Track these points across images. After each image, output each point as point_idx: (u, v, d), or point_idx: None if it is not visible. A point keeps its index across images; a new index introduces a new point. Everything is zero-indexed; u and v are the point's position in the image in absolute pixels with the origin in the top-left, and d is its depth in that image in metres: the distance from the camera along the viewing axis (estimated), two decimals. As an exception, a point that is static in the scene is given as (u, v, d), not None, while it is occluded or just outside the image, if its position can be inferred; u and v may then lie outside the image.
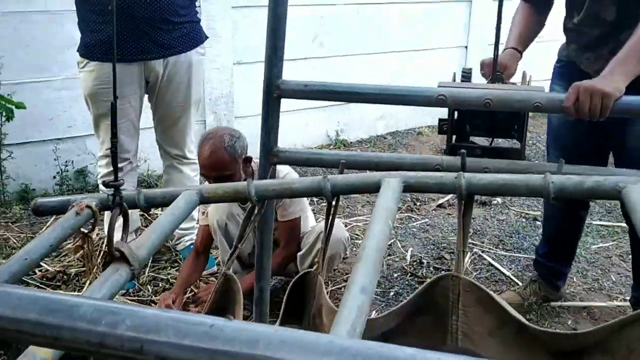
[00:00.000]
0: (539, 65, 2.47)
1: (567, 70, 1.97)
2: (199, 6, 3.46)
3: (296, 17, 3.93)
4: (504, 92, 1.39)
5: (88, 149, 3.32)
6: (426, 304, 1.38)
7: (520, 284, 2.47)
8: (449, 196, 3.35)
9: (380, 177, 1.21)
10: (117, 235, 0.91)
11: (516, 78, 1.78)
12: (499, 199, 3.36)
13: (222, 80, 3.71)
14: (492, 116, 1.56)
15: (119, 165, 2.45)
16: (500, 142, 2.95)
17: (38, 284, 2.42)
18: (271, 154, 1.59)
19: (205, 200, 1.30)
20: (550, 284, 2.33)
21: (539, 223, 3.08)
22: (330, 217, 1.31)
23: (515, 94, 1.38)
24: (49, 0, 2.88)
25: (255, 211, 1.32)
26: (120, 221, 1.01)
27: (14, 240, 2.74)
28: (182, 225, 2.66)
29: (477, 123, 1.60)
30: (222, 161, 2.09)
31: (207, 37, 2.59)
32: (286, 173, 2.25)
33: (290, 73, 4.22)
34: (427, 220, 3.11)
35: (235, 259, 2.38)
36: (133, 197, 1.29)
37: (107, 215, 2.53)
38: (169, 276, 2.51)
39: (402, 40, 4.36)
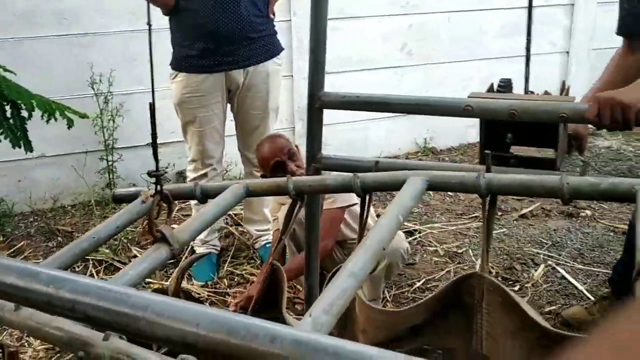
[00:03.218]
0: None
1: None
2: (289, 20, 3.69)
3: (385, 27, 4.04)
4: (530, 102, 1.41)
5: (187, 153, 3.64)
6: (454, 301, 1.43)
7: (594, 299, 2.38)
8: (533, 206, 3.27)
9: (407, 175, 1.29)
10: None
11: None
12: (587, 211, 3.21)
13: (311, 89, 3.88)
14: (530, 126, 1.56)
15: (204, 171, 2.67)
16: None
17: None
18: (315, 160, 1.71)
19: (250, 193, 1.45)
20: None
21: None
22: (365, 214, 1.41)
23: (540, 104, 1.40)
24: (152, 20, 3.20)
25: (297, 206, 1.46)
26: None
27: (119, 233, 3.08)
28: (260, 227, 2.86)
29: (517, 133, 1.61)
30: (282, 143, 2.33)
31: (283, 49, 2.76)
32: None
33: (378, 82, 4.32)
34: (505, 230, 3.06)
35: (293, 247, 2.50)
36: (191, 189, 1.49)
37: (194, 207, 2.79)
38: (244, 272, 2.71)
39: (497, 48, 4.29)
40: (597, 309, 2.25)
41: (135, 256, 2.84)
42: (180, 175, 3.66)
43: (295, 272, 2.20)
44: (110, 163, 3.43)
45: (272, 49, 2.64)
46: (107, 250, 2.82)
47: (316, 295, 1.90)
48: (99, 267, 2.73)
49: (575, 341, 1.28)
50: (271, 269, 1.56)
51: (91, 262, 2.74)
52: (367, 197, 1.38)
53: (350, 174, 1.36)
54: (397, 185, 1.29)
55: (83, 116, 1.88)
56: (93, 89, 3.26)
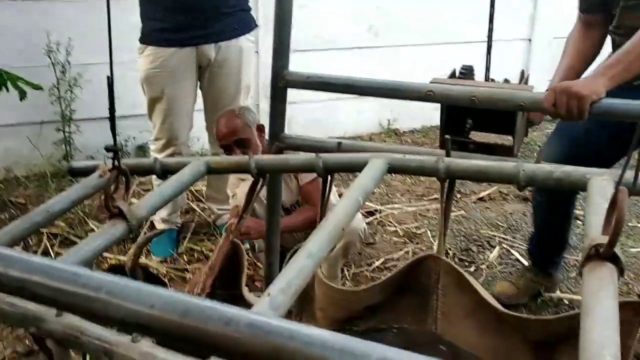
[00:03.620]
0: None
1: None
2: (256, -5, 3.63)
3: (352, 7, 4.02)
4: (490, 90, 1.43)
5: (149, 127, 3.57)
6: (411, 282, 1.46)
7: (545, 280, 2.47)
8: (491, 190, 3.34)
9: (368, 157, 1.30)
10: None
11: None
12: (542, 196, 3.30)
13: (277, 66, 3.85)
14: (490, 113, 1.59)
15: (169, 152, 2.60)
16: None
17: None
18: (278, 139, 1.71)
19: (211, 170, 1.43)
20: (543, 271, 2.33)
21: (579, 222, 3.02)
22: (326, 194, 1.42)
23: (500, 92, 1.42)
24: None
25: (259, 184, 1.45)
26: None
27: (75, 207, 3.02)
28: (222, 206, 2.82)
29: (477, 119, 1.63)
30: (237, 125, 2.29)
31: (256, 26, 2.70)
32: None
33: (344, 62, 4.26)
34: (463, 212, 3.12)
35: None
36: (151, 164, 1.46)
37: (154, 181, 2.74)
38: (204, 248, 2.70)
39: (462, 32, 4.32)
40: (522, 282, 2.34)
41: (92, 230, 2.79)
42: (141, 149, 3.59)
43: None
44: (67, 134, 3.34)
45: (245, 24, 2.57)
46: (62, 224, 2.76)
47: (276, 273, 1.91)
48: (54, 241, 2.68)
49: (525, 322, 1.32)
50: (232, 246, 1.56)
51: (45, 235, 2.68)
52: (329, 178, 1.39)
53: (313, 154, 1.36)
54: (358, 167, 1.30)
55: (36, 87, 1.81)
56: (50, 57, 3.16)
